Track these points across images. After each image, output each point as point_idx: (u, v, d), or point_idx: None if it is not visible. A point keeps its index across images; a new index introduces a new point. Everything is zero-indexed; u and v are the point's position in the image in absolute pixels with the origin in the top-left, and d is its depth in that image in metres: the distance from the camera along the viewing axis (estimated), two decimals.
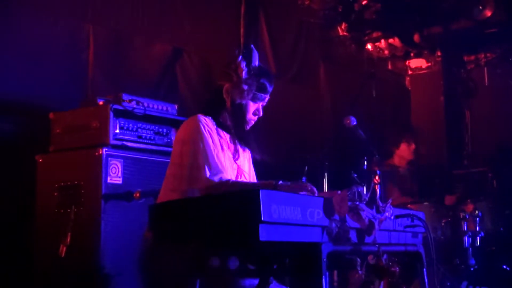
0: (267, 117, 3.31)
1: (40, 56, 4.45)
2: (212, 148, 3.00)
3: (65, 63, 4.64)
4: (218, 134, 3.13)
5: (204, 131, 3.01)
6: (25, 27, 4.39)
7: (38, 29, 4.47)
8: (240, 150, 3.27)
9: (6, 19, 4.28)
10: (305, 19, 7.02)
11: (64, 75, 4.60)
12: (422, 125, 7.49)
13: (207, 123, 3.06)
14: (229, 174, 3.10)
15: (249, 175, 3.32)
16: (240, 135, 3.23)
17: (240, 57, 3.15)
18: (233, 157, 3.21)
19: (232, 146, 3.22)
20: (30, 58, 4.39)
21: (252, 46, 3.20)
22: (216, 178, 2.92)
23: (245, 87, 3.14)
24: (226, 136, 3.20)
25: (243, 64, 3.14)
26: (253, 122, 3.26)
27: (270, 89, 3.22)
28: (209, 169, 2.94)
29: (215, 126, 3.12)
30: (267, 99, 3.24)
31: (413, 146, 6.33)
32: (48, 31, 4.54)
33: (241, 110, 3.17)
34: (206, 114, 3.15)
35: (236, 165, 3.21)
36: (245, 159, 3.32)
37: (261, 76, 3.18)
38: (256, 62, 3.18)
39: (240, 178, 3.22)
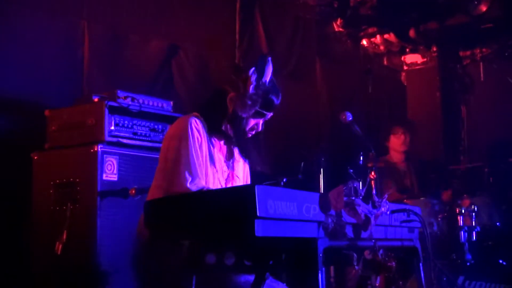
0: None
1: (36, 53, 4.44)
2: (195, 153, 2.95)
3: (60, 60, 4.62)
4: (210, 139, 3.09)
5: (192, 135, 2.97)
6: (20, 24, 4.37)
7: (33, 26, 4.45)
8: (236, 154, 3.24)
9: (0, 16, 4.26)
10: (301, 15, 7.00)
11: (59, 72, 4.59)
12: (418, 121, 7.49)
13: (197, 127, 3.01)
14: (218, 178, 3.08)
15: (243, 179, 3.30)
16: (240, 146, 3.18)
17: (253, 69, 3.03)
18: (226, 160, 3.18)
19: (225, 149, 3.20)
20: (26, 55, 4.37)
21: (269, 58, 3.06)
22: (194, 187, 2.88)
23: (249, 102, 3.03)
24: (220, 141, 3.17)
25: (253, 78, 3.02)
26: (250, 135, 3.18)
27: (275, 107, 3.13)
28: (189, 175, 2.89)
29: (206, 131, 3.06)
30: (269, 116, 3.15)
31: (402, 136, 6.34)
32: (44, 28, 4.52)
33: (240, 123, 3.09)
34: (204, 116, 3.09)
35: (227, 169, 3.19)
36: (240, 163, 3.29)
37: (268, 94, 3.06)
38: (267, 78, 3.05)
39: (231, 182, 3.19)
